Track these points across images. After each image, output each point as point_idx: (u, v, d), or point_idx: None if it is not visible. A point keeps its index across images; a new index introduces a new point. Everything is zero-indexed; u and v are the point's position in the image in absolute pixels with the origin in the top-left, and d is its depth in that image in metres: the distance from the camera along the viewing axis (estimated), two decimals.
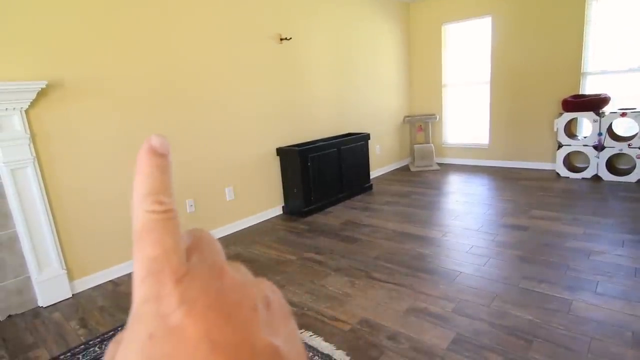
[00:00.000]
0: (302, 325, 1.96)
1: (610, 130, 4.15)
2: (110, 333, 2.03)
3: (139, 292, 0.15)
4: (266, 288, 0.19)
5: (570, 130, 4.51)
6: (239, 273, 0.18)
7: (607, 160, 4.15)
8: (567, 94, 4.51)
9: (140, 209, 0.16)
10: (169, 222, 0.16)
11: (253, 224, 3.68)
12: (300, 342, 0.18)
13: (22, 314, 2.33)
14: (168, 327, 0.14)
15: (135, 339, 0.14)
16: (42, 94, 2.29)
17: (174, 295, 0.15)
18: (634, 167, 4.02)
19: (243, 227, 3.59)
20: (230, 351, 0.14)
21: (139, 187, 0.16)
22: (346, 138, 4.26)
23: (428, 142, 5.65)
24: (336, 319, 2.01)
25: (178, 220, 0.16)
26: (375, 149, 5.21)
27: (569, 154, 4.46)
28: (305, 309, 2.13)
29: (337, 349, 1.76)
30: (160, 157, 0.17)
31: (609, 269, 2.28)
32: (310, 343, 1.81)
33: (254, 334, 0.15)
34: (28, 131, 2.26)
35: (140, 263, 0.16)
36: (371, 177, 4.84)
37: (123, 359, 0.14)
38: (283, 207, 3.97)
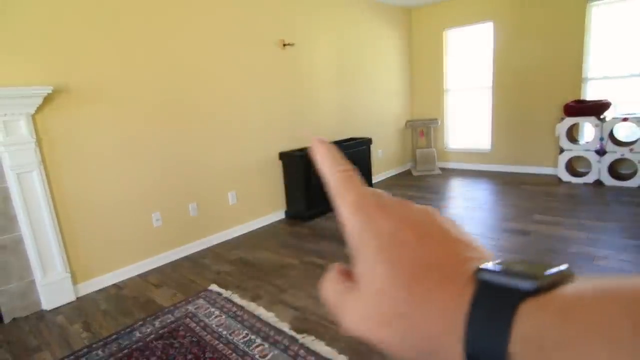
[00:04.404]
0: (304, 330, 1.97)
1: (611, 135, 4.15)
2: (114, 336, 2.04)
3: (352, 222, 0.23)
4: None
5: (572, 135, 4.51)
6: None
7: (609, 165, 4.15)
8: (568, 99, 4.52)
9: (333, 173, 0.24)
10: (353, 175, 0.24)
11: (255, 228, 3.69)
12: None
13: (26, 317, 2.35)
14: (385, 234, 0.22)
15: (366, 244, 0.22)
16: (48, 99, 2.32)
17: (383, 217, 0.22)
18: (635, 172, 4.02)
19: (245, 231, 3.60)
20: (421, 225, 0.22)
21: (326, 162, 0.25)
22: (348, 142, 4.28)
23: (430, 147, 5.66)
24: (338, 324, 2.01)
25: (357, 174, 0.25)
26: (377, 154, 5.22)
27: (570, 159, 4.46)
28: (308, 313, 2.14)
29: (339, 354, 1.76)
30: (326, 143, 0.25)
31: (613, 274, 2.27)
32: (312, 348, 1.81)
33: (434, 218, 0.23)
34: (34, 136, 2.29)
35: (347, 207, 0.23)
36: (373, 182, 4.86)
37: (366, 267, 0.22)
38: (285, 211, 3.98)
